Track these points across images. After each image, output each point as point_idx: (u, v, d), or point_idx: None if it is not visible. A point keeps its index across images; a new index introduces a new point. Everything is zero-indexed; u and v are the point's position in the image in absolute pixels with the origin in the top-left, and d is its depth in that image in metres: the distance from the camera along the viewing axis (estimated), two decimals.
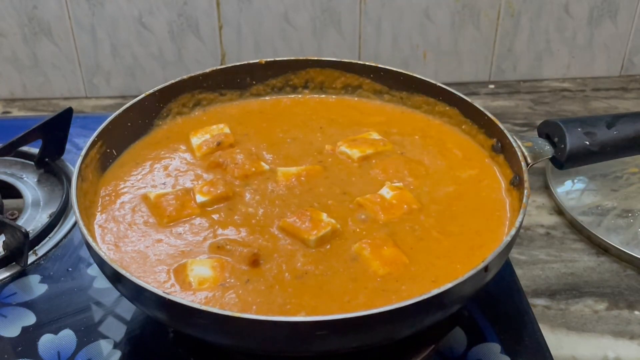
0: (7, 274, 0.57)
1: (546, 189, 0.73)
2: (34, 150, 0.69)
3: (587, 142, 0.53)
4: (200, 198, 0.51)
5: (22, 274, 0.57)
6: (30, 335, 0.52)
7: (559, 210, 0.70)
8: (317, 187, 0.52)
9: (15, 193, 0.67)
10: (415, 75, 0.61)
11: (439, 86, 0.60)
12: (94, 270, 0.57)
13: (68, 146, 0.69)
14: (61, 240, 0.61)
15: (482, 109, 0.56)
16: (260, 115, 0.62)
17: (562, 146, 0.53)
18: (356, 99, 0.64)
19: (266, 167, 0.55)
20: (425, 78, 0.61)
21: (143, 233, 0.49)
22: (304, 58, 0.64)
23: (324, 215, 0.48)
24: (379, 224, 0.49)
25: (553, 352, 0.51)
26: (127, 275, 0.41)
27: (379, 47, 0.92)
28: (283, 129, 0.60)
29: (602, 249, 0.64)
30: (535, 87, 0.95)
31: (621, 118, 0.55)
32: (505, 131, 0.53)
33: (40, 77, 0.92)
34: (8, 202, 0.66)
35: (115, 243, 0.48)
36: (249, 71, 0.63)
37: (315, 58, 0.64)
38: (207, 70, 0.62)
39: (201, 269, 0.45)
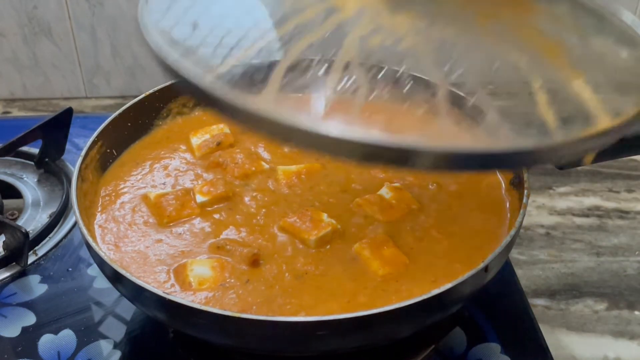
0: (7, 274, 0.57)
1: (546, 189, 0.73)
2: (34, 150, 0.69)
3: None
4: (200, 198, 0.51)
5: (22, 274, 0.57)
6: (30, 335, 0.52)
7: (559, 211, 0.70)
8: (317, 186, 0.52)
9: (15, 193, 0.67)
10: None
11: None
12: (94, 270, 0.57)
13: (68, 146, 0.69)
14: (61, 240, 0.61)
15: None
16: None
17: None
18: None
19: (266, 166, 0.55)
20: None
21: (143, 233, 0.49)
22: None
23: (325, 216, 0.48)
24: (379, 224, 0.49)
25: (553, 352, 0.51)
26: (127, 275, 0.41)
27: None
28: None
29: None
30: None
31: None
32: None
33: (40, 77, 0.92)
34: (8, 202, 0.66)
35: (115, 243, 0.48)
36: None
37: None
38: None
39: (201, 269, 0.45)
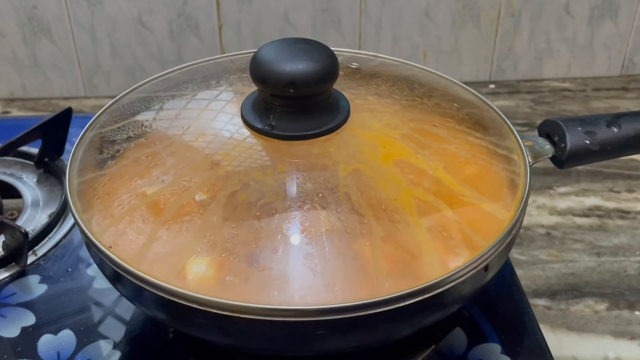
0: (6, 274, 0.57)
1: (547, 189, 0.73)
2: (34, 150, 0.69)
3: (588, 142, 0.53)
4: (200, 196, 0.51)
5: (22, 274, 0.57)
6: (29, 335, 0.52)
7: (559, 211, 0.70)
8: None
9: (14, 193, 0.67)
10: None
11: None
12: (93, 270, 0.57)
13: (68, 146, 0.69)
14: (61, 240, 0.61)
15: None
16: None
17: (563, 145, 0.53)
18: None
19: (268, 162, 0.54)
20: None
21: (142, 232, 0.48)
22: None
23: None
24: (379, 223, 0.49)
25: (553, 352, 0.51)
26: (127, 275, 0.41)
27: (379, 47, 0.92)
28: None
29: None
30: (535, 87, 0.95)
31: (621, 117, 0.55)
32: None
33: (39, 77, 0.92)
34: (7, 202, 0.66)
35: (114, 242, 0.48)
36: None
37: None
38: None
39: (201, 267, 0.45)
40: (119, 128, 0.55)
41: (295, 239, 0.48)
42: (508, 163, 0.53)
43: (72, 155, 0.51)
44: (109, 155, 0.55)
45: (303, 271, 0.45)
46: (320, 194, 0.50)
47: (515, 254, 0.64)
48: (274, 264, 0.46)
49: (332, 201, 0.50)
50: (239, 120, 0.48)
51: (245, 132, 0.48)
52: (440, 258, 0.47)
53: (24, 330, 0.52)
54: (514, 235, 0.44)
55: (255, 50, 0.45)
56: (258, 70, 0.44)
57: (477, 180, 0.54)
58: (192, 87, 0.55)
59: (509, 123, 0.53)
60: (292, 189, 0.48)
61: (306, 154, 0.47)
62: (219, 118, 0.51)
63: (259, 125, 0.46)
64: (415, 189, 0.53)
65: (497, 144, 0.53)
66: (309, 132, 0.46)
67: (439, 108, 0.53)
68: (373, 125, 0.49)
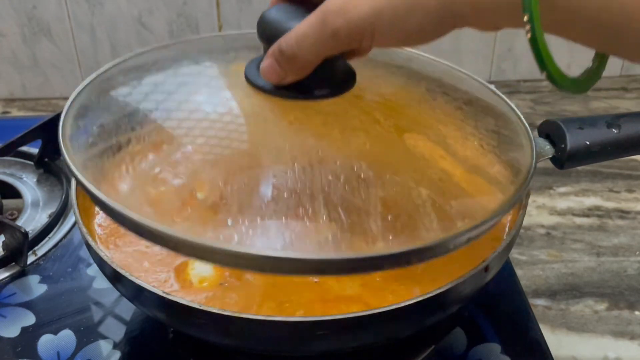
0: (6, 274, 0.57)
1: (546, 189, 0.73)
2: (34, 150, 0.69)
3: (588, 142, 0.53)
4: (201, 195, 0.50)
5: (22, 274, 0.57)
6: (29, 335, 0.52)
7: (559, 211, 0.70)
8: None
9: (14, 193, 0.67)
10: None
11: None
12: (93, 270, 0.57)
13: None
14: (61, 240, 0.61)
15: None
16: None
17: (563, 146, 0.53)
18: None
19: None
20: None
21: None
22: None
23: None
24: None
25: (553, 352, 0.51)
26: (127, 275, 0.41)
27: None
28: None
29: None
30: (535, 87, 0.95)
31: (621, 117, 0.55)
32: None
33: (39, 77, 0.92)
34: (7, 202, 0.66)
35: (115, 242, 0.48)
36: None
37: None
38: None
39: (202, 267, 0.45)
40: (114, 121, 0.55)
41: (294, 233, 0.48)
42: (508, 162, 0.53)
43: (65, 149, 0.51)
44: (108, 149, 0.54)
45: None
46: (323, 178, 0.49)
47: (515, 254, 0.64)
48: None
49: (334, 186, 0.50)
50: (243, 81, 0.46)
51: (250, 91, 0.45)
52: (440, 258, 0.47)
53: (24, 330, 0.52)
54: (514, 235, 0.44)
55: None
56: (265, 29, 0.43)
57: (477, 180, 0.54)
58: (187, 61, 0.54)
59: (524, 122, 0.52)
60: (295, 151, 0.46)
61: (310, 115, 0.45)
62: (220, 81, 0.49)
63: (262, 84, 0.44)
64: (415, 188, 0.52)
65: (498, 143, 0.52)
66: (314, 93, 0.44)
67: (446, 100, 0.53)
68: (380, 94, 0.48)
